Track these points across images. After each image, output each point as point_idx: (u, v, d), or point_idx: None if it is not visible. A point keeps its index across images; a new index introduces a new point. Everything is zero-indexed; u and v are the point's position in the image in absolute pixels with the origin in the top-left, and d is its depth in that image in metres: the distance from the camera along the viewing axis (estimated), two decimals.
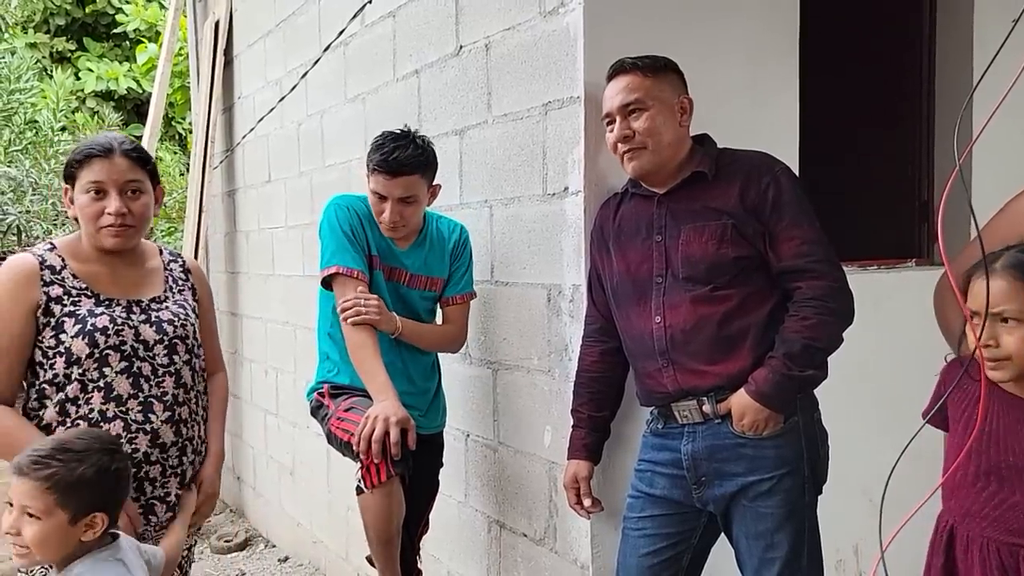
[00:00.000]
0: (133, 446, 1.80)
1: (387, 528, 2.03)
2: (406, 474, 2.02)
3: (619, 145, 1.82)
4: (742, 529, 1.79)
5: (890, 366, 2.53)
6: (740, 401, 1.73)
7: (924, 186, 2.98)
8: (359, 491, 2.01)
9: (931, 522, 1.55)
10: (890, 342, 2.51)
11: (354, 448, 1.97)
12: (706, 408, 1.78)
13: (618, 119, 1.82)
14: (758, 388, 1.71)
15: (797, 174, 2.32)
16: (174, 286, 1.98)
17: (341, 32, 3.28)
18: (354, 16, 3.16)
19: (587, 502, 1.98)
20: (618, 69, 1.83)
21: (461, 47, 2.53)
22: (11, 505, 1.49)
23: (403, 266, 2.29)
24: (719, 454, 1.78)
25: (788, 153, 2.31)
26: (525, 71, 2.25)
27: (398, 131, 2.19)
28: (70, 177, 1.84)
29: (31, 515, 1.48)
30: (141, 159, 1.86)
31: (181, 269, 2.03)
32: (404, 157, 2.11)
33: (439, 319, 2.42)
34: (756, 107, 2.27)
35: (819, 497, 1.85)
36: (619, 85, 1.81)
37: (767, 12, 2.31)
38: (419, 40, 2.76)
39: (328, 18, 3.44)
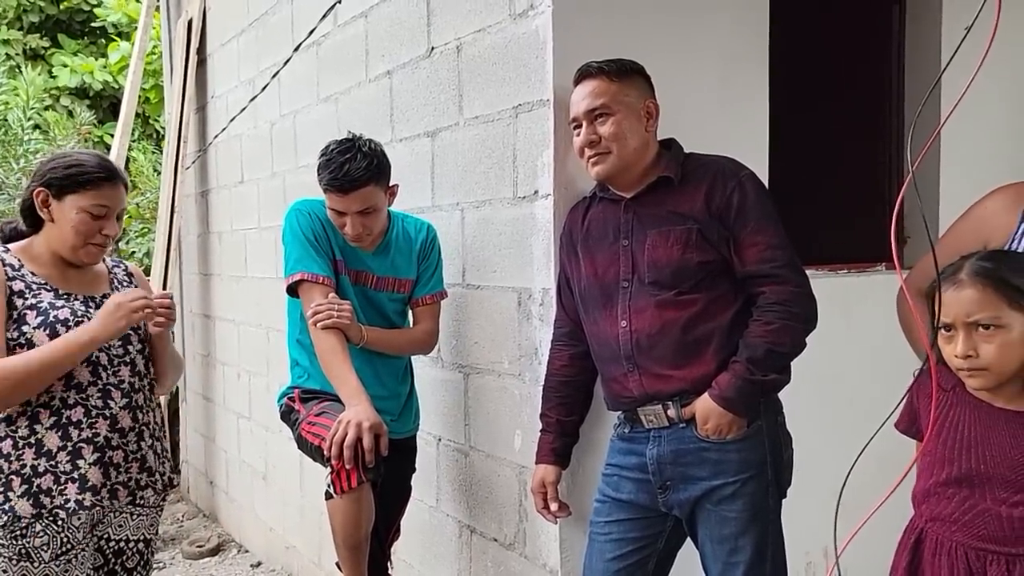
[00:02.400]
0: (94, 431, 1.90)
1: (355, 534, 2.01)
2: (377, 480, 2.00)
3: (585, 150, 1.83)
4: (707, 533, 1.79)
5: (859, 369, 2.54)
6: (704, 405, 1.73)
7: (893, 189, 3.00)
8: (328, 496, 1.99)
9: (899, 527, 1.56)
10: (859, 346, 2.53)
11: (325, 453, 1.95)
12: (671, 412, 1.78)
13: (584, 124, 1.82)
14: (721, 392, 1.71)
15: (767, 177, 2.33)
16: (120, 287, 2.09)
17: (311, 32, 3.25)
18: (324, 16, 3.13)
19: (554, 507, 1.97)
20: (584, 73, 1.83)
21: (433, 48, 2.51)
22: None
23: (369, 269, 2.27)
24: (683, 458, 1.78)
25: (758, 156, 2.31)
26: (496, 73, 2.24)
27: (342, 142, 2.14)
28: (63, 188, 1.91)
29: None
30: (126, 185, 2.05)
31: (124, 272, 2.16)
32: (354, 171, 2.07)
33: (411, 321, 2.40)
34: (726, 110, 2.27)
35: (787, 500, 1.86)
36: (585, 90, 1.81)
37: (737, 15, 2.31)
38: (391, 41, 2.74)
39: (301, 18, 3.41)
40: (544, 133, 2.05)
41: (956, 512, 1.42)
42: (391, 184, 2.22)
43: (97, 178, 1.93)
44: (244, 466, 4.31)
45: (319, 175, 2.13)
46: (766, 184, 2.31)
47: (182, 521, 4.79)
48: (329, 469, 1.97)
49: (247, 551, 4.26)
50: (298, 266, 2.15)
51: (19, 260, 1.93)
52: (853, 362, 2.53)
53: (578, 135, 1.84)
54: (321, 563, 3.42)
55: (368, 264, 2.26)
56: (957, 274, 1.38)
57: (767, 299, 1.72)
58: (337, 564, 2.18)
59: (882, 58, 2.99)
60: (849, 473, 1.31)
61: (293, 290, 2.19)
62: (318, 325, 2.07)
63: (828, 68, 3.26)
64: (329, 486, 1.97)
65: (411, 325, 2.40)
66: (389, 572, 2.44)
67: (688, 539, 1.89)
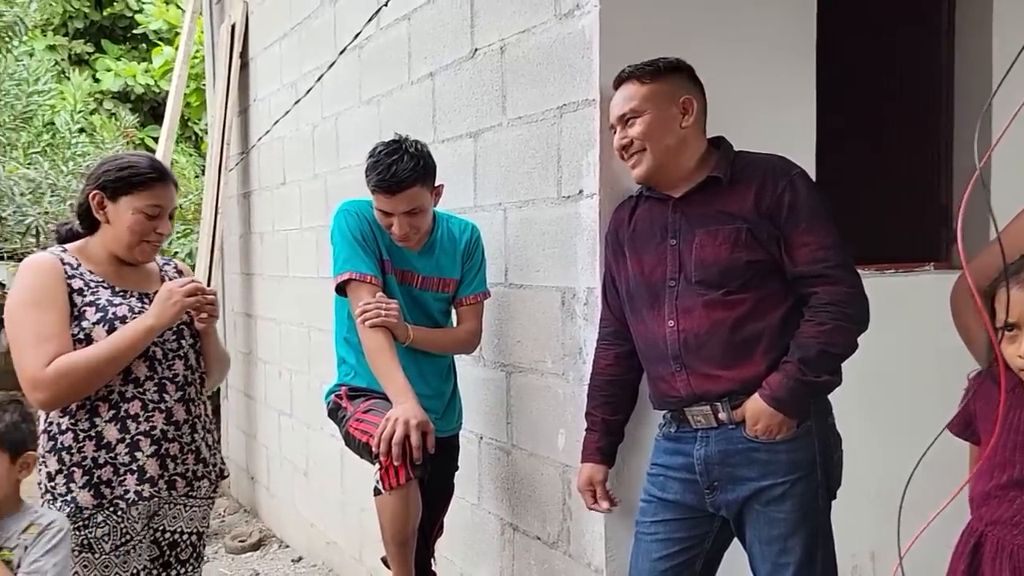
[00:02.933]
0: (151, 423, 1.96)
1: (403, 530, 2.03)
2: (424, 477, 2.02)
3: (622, 153, 1.86)
4: (755, 534, 1.78)
5: (907, 371, 2.51)
6: (754, 406, 1.72)
7: (943, 189, 2.96)
8: (376, 492, 2.01)
9: (953, 530, 1.54)
10: (907, 346, 2.49)
11: (373, 450, 1.97)
12: (721, 415, 1.77)
13: (617, 128, 1.86)
14: (772, 393, 1.70)
15: (814, 175, 2.31)
16: None
17: (357, 35, 3.29)
18: (370, 19, 3.17)
19: (604, 504, 1.97)
20: (619, 79, 1.87)
21: (476, 50, 2.53)
22: None
23: (415, 269, 2.29)
24: (732, 459, 1.77)
25: (806, 156, 2.29)
26: (540, 74, 2.25)
27: (389, 143, 2.17)
28: (118, 190, 1.97)
29: None
30: (176, 185, 2.10)
31: (174, 270, 2.22)
32: (401, 172, 2.10)
33: (455, 320, 2.42)
34: (773, 110, 2.25)
35: (834, 502, 1.84)
36: (620, 95, 1.85)
37: (785, 10, 2.30)
38: (434, 43, 2.77)
39: (343, 21, 3.45)
40: (590, 133, 2.05)
41: (1017, 515, 1.40)
42: (437, 184, 2.24)
43: (150, 179, 1.99)
44: (285, 462, 4.37)
45: (367, 176, 2.16)
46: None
47: (223, 516, 4.87)
48: (377, 466, 1.99)
49: (288, 546, 4.31)
50: (346, 265, 2.18)
51: (77, 259, 1.99)
52: (899, 363, 2.50)
53: (614, 139, 1.88)
54: (362, 559, 3.45)
55: (414, 264, 2.29)
56: (1022, 272, 1.36)
57: (820, 299, 1.71)
58: (383, 559, 2.20)
59: (932, 53, 2.95)
60: (911, 476, 1.30)
61: (341, 289, 2.22)
62: (366, 324, 2.10)
63: (876, 64, 3.22)
64: (377, 482, 1.99)
65: (455, 324, 2.42)
66: (433, 569, 2.47)
67: (735, 540, 1.89)
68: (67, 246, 2.03)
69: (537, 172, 2.29)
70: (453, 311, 2.42)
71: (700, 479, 1.81)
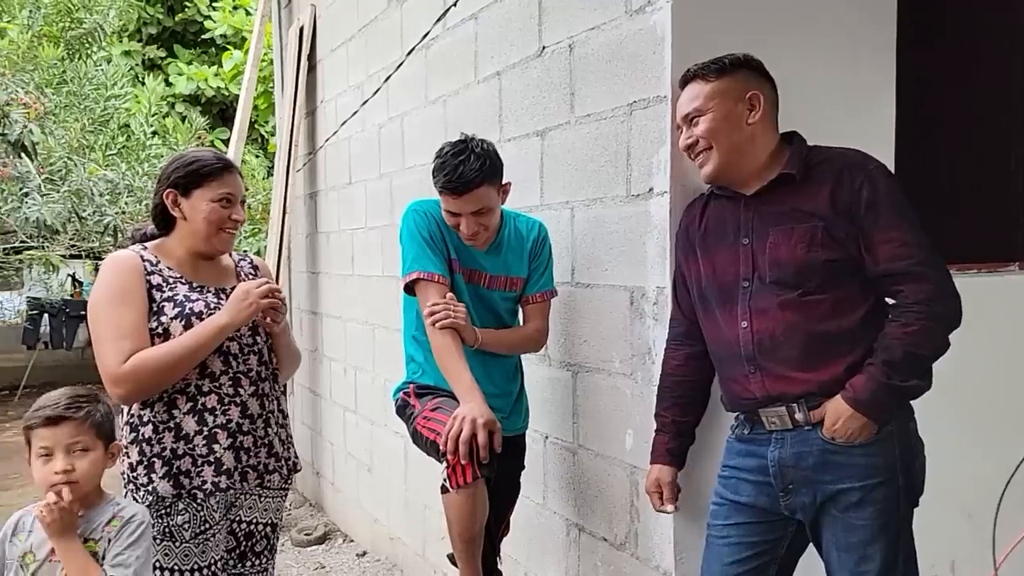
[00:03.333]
0: (227, 417, 2.01)
1: (471, 528, 2.04)
2: (491, 476, 2.02)
3: (688, 152, 1.84)
4: (832, 540, 1.73)
5: (990, 376, 2.42)
6: (836, 407, 1.67)
7: None
8: (444, 490, 2.02)
9: None
10: (990, 350, 2.40)
11: (441, 448, 1.98)
12: (798, 416, 1.73)
13: (683, 128, 1.83)
14: (856, 396, 1.65)
15: (893, 172, 2.24)
16: (246, 279, 2.18)
17: (425, 35, 3.31)
18: (438, 19, 3.19)
19: (670, 508, 1.95)
20: (683, 78, 1.84)
21: (544, 48, 2.53)
22: (46, 455, 1.72)
23: (482, 268, 2.30)
24: (807, 461, 1.73)
25: (884, 152, 2.22)
26: (610, 71, 2.23)
27: (455, 144, 2.17)
28: (189, 185, 2.03)
29: (81, 450, 1.74)
30: (241, 174, 2.17)
31: (250, 266, 2.27)
32: (467, 173, 2.11)
33: (521, 319, 2.42)
34: (851, 102, 2.20)
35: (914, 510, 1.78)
36: (685, 95, 1.83)
37: (864, 3, 2.23)
38: (501, 41, 2.77)
39: (410, 22, 3.48)
40: (661, 130, 2.03)
41: None
42: (504, 183, 2.24)
43: (216, 169, 2.05)
44: (349, 458, 4.43)
45: (434, 177, 2.17)
46: None
47: (290, 509, 4.97)
48: (444, 464, 2.00)
49: (352, 540, 4.38)
50: (415, 265, 2.20)
51: (156, 256, 2.05)
52: (981, 367, 2.41)
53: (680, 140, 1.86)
54: (425, 555, 3.48)
55: (481, 263, 2.29)
56: None
57: (905, 299, 1.65)
58: (449, 556, 2.21)
59: (1016, 44, 2.83)
60: (1007, 486, 1.25)
61: (410, 288, 2.24)
62: (435, 325, 2.11)
63: (956, 59, 3.11)
64: (445, 481, 2.00)
65: (521, 323, 2.41)
66: (499, 567, 2.47)
67: (810, 546, 1.84)
68: (147, 244, 2.10)
69: (606, 170, 2.27)
70: (519, 309, 2.42)
71: (774, 482, 1.77)
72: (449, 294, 2.17)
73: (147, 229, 2.17)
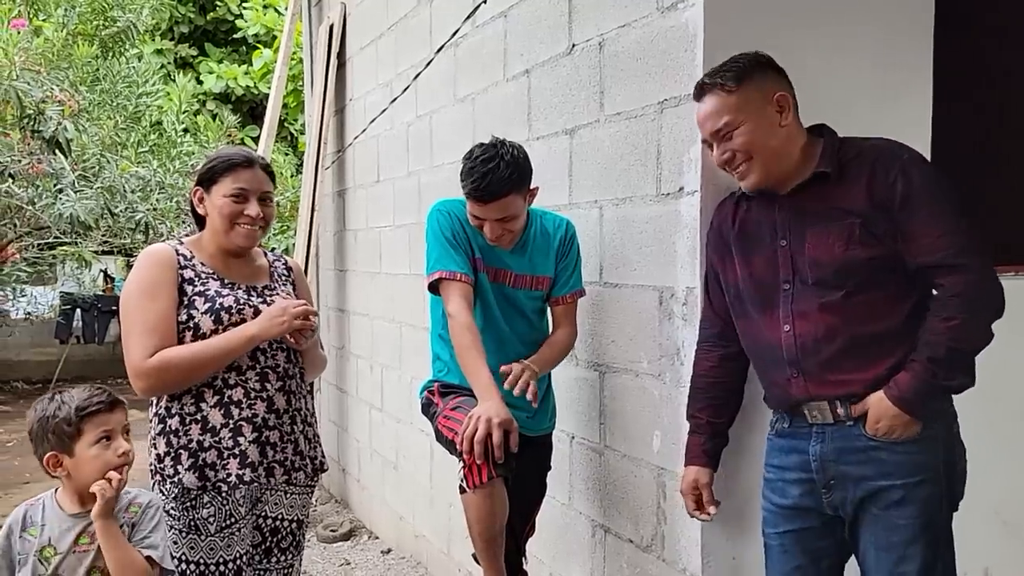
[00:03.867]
0: (253, 411, 2.02)
1: (490, 528, 2.03)
2: (508, 476, 2.01)
3: (725, 167, 1.77)
4: (871, 539, 1.69)
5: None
6: (878, 404, 1.64)
7: None
8: (462, 491, 2.03)
9: None
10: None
11: (457, 447, 1.98)
12: (840, 410, 1.70)
13: (714, 144, 1.76)
14: (900, 394, 1.62)
15: None
16: (279, 280, 2.22)
17: (454, 33, 3.31)
18: (467, 17, 3.18)
19: (712, 509, 1.92)
20: (700, 91, 1.76)
21: (574, 45, 2.51)
22: (105, 438, 1.80)
23: (507, 267, 2.29)
24: (848, 456, 1.69)
25: (920, 148, 2.19)
26: (640, 68, 2.21)
27: (486, 149, 2.15)
28: (209, 181, 2.06)
29: (129, 433, 1.86)
30: (271, 173, 2.15)
31: (284, 267, 2.28)
32: (495, 182, 2.10)
33: (550, 320, 2.41)
34: (886, 100, 2.15)
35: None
36: (707, 109, 1.74)
37: (898, 3, 2.19)
38: (530, 39, 2.76)
39: (439, 20, 3.48)
40: (692, 128, 1.99)
41: None
42: (532, 187, 2.23)
43: (233, 164, 2.06)
44: (375, 455, 4.45)
45: (462, 180, 2.16)
46: None
47: (315, 505, 4.99)
48: (461, 464, 2.00)
49: (377, 537, 4.39)
50: (438, 265, 2.20)
51: (191, 251, 2.09)
52: (1018, 371, 2.36)
53: (712, 154, 1.79)
54: (450, 553, 3.48)
55: (506, 262, 2.29)
56: None
57: (945, 292, 1.61)
58: (474, 556, 2.21)
59: None
60: None
61: (435, 288, 2.24)
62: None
63: (991, 57, 3.05)
64: (462, 480, 2.00)
65: (550, 324, 2.40)
66: (524, 567, 2.46)
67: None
68: (184, 239, 2.14)
69: (635, 169, 2.25)
70: (547, 309, 2.40)
71: (816, 477, 1.73)
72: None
73: (193, 231, 2.22)
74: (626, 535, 2.34)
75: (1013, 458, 2.29)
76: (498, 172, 2.10)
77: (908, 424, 1.63)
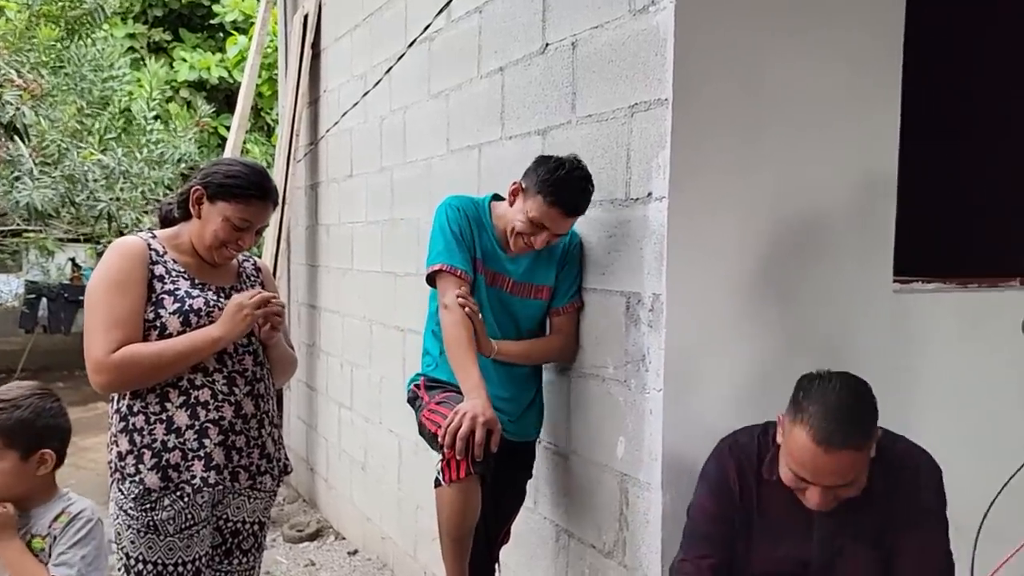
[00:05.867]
0: (220, 413, 1.98)
1: (461, 525, 2.03)
2: (487, 475, 2.01)
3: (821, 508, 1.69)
4: None
5: (989, 391, 2.37)
6: None
7: None
8: (437, 484, 2.02)
9: None
10: (990, 366, 2.36)
11: (439, 440, 1.98)
12: None
13: (820, 487, 1.64)
14: None
15: (895, 181, 2.20)
16: (247, 280, 2.19)
17: (426, 28, 3.27)
18: (440, 11, 3.14)
19: None
20: (829, 443, 1.59)
21: (547, 45, 2.48)
22: None
23: (506, 272, 2.27)
24: None
25: (887, 161, 2.19)
26: (612, 71, 2.18)
27: (578, 165, 2.12)
28: (218, 193, 1.99)
29: None
30: (275, 204, 2.12)
31: (252, 267, 2.25)
32: (584, 202, 2.13)
33: (548, 329, 2.39)
34: (855, 109, 2.14)
35: None
36: (834, 464, 1.60)
37: (869, 12, 2.18)
38: (505, 37, 2.72)
39: (415, 13, 3.43)
40: (661, 133, 1.98)
41: None
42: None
43: (249, 195, 2.01)
44: (344, 455, 4.40)
45: (547, 185, 2.08)
46: (894, 209, 2.16)
47: (283, 505, 4.94)
48: (440, 457, 2.00)
49: (344, 538, 4.35)
50: (440, 258, 2.19)
51: (163, 247, 2.03)
52: (981, 383, 2.37)
53: (806, 492, 1.68)
54: (416, 556, 3.45)
55: (506, 267, 2.27)
56: None
57: None
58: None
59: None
60: (993, 502, 1.21)
61: (432, 280, 2.22)
62: (448, 306, 2.11)
63: (965, 61, 3.06)
64: (439, 473, 2.01)
65: (548, 333, 2.38)
66: (497, 575, 2.44)
67: None
68: (157, 233, 2.08)
69: (606, 172, 2.22)
70: (546, 319, 2.38)
71: None
72: (463, 287, 2.16)
73: (174, 208, 2.13)
74: (589, 540, 2.32)
75: (972, 470, 2.30)
76: (588, 192, 2.13)
77: None
